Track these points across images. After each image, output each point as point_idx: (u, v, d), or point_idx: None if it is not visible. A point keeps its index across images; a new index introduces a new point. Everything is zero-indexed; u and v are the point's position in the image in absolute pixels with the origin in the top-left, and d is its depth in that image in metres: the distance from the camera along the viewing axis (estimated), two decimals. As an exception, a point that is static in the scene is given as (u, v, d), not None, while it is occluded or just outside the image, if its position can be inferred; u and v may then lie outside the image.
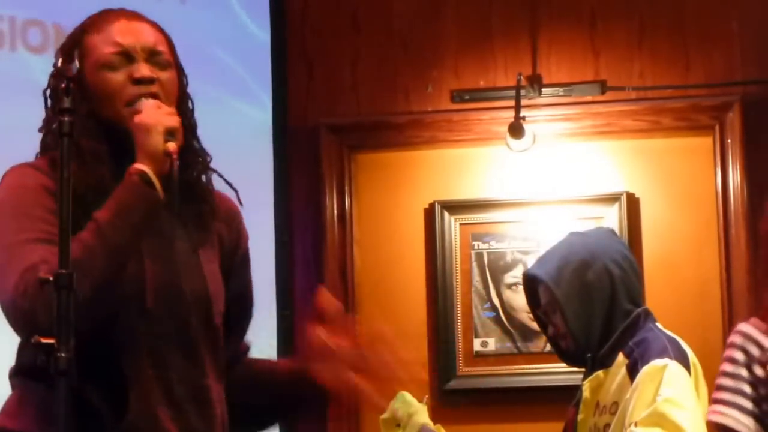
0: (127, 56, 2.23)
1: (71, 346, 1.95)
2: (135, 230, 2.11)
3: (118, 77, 2.21)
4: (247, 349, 2.41)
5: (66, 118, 2.03)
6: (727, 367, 2.72)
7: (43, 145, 2.29)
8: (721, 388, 2.71)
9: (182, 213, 2.25)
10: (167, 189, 2.13)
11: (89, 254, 2.06)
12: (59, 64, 2.22)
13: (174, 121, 2.16)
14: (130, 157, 2.17)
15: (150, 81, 2.21)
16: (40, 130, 2.31)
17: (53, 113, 2.25)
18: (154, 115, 2.15)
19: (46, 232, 2.13)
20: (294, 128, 4.57)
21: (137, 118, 2.14)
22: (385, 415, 3.16)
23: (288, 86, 4.59)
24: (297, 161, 4.56)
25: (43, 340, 1.96)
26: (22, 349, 2.21)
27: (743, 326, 2.77)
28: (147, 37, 2.26)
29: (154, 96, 2.21)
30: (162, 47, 2.27)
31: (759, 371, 2.67)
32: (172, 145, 2.13)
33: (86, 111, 2.18)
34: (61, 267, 1.97)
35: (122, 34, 2.25)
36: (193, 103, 2.36)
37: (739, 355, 2.69)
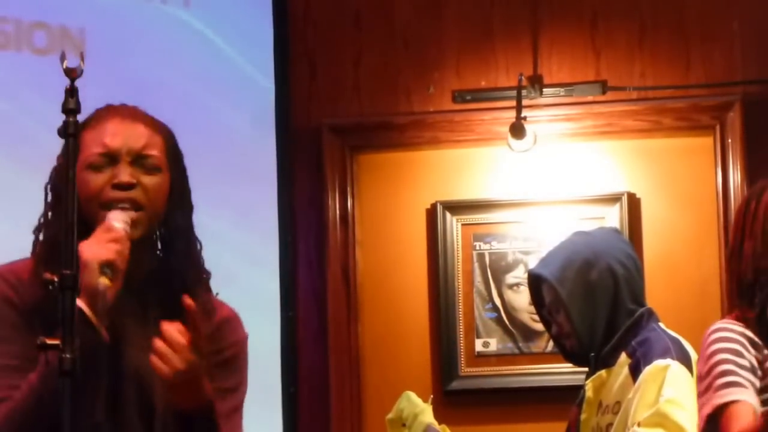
0: (111, 158, 2.21)
1: (76, 346, 1.95)
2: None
3: (99, 179, 2.20)
4: None
5: (71, 119, 2.04)
6: (731, 356, 2.68)
7: (35, 243, 2.25)
8: (733, 372, 2.66)
9: (154, 324, 2.20)
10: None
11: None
12: (65, 66, 2.22)
13: (110, 253, 2.10)
14: None
15: (129, 186, 2.19)
16: (34, 232, 2.27)
17: (51, 203, 2.23)
18: (91, 249, 2.10)
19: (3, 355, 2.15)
20: (296, 129, 4.57)
21: (79, 250, 2.08)
22: (390, 415, 3.17)
23: (290, 87, 4.59)
24: (300, 162, 4.57)
25: (48, 341, 1.97)
26: None
27: (726, 323, 2.74)
28: (136, 139, 2.23)
29: (134, 202, 2.18)
30: (153, 150, 2.23)
31: (755, 362, 2.68)
32: (103, 282, 2.09)
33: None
34: (65, 267, 1.97)
35: (111, 134, 2.22)
36: (189, 209, 2.31)
37: (739, 346, 2.68)
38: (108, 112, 2.27)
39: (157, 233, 2.29)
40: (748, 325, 2.65)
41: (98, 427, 2.16)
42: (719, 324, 2.68)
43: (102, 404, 2.17)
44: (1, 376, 2.14)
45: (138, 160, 2.22)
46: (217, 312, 2.31)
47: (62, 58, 2.19)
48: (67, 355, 1.95)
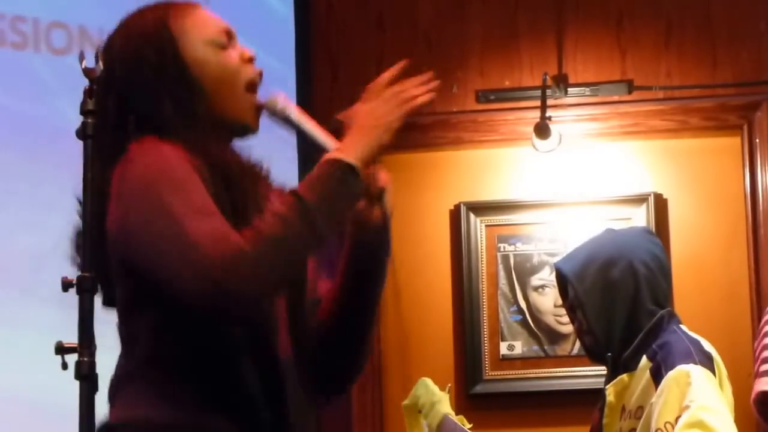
0: (230, 37, 2.18)
1: (94, 350, 1.93)
2: (337, 224, 2.01)
3: (232, 56, 2.15)
4: None
5: (89, 120, 2.01)
6: None
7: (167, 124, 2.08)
8: None
9: None
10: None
11: (293, 236, 1.92)
12: (83, 66, 2.19)
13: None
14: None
15: (253, 60, 2.15)
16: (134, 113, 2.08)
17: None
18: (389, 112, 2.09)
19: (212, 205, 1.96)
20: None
21: (366, 110, 2.10)
22: (406, 402, 3.12)
23: (312, 87, 4.57)
24: (321, 163, 4.54)
25: (66, 344, 1.94)
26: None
27: None
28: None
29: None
30: None
31: None
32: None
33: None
34: (83, 269, 1.95)
35: (215, 17, 2.21)
36: None
37: None
38: (185, 3, 2.22)
39: None
40: None
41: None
42: None
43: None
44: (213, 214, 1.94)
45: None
46: None
47: (81, 58, 2.16)
48: (85, 359, 1.92)
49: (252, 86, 2.16)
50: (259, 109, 2.15)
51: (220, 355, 1.98)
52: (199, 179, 1.97)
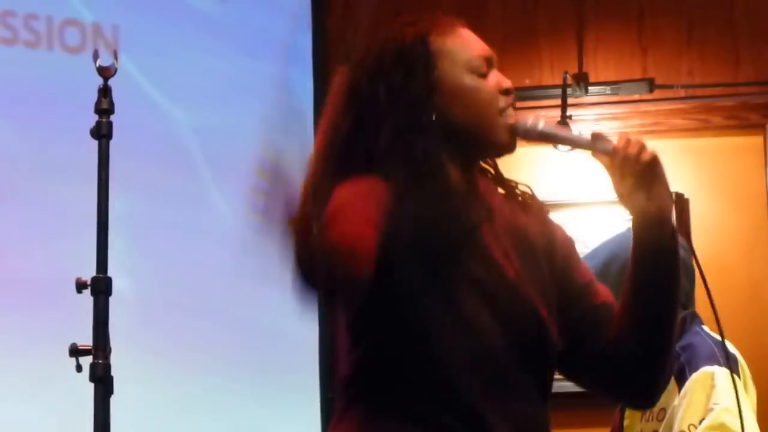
0: (489, 64, 2.11)
1: (108, 352, 1.92)
2: None
3: (489, 84, 2.07)
4: None
5: (104, 119, 2.00)
6: None
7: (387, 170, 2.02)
8: None
9: None
10: None
11: None
12: (97, 65, 2.17)
13: None
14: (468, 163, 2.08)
15: (511, 92, 2.09)
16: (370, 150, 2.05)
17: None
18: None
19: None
20: (336, 129, 4.53)
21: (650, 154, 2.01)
22: None
23: (330, 86, 4.55)
24: (339, 162, 4.53)
25: (81, 346, 1.93)
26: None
27: None
28: (489, 48, 2.16)
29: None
30: None
31: None
32: None
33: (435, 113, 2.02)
34: (99, 271, 1.94)
35: (476, 40, 2.14)
36: None
37: None
38: (449, 19, 2.18)
39: None
40: None
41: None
42: None
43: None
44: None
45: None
46: None
47: (95, 56, 2.15)
48: (100, 361, 1.91)
49: (504, 113, 2.06)
50: (510, 129, 2.06)
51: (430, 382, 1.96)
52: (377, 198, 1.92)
